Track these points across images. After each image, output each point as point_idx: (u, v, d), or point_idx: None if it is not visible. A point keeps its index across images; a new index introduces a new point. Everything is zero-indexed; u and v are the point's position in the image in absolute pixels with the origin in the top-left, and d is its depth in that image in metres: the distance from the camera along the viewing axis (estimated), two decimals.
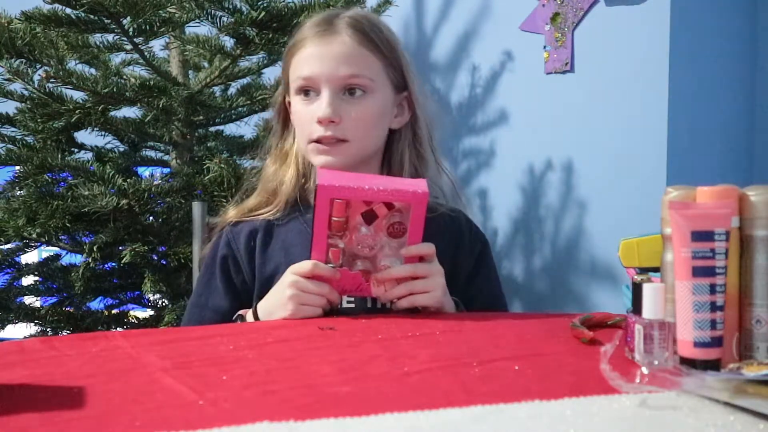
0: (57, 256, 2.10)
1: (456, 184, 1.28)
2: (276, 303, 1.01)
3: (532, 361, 0.75)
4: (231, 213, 1.20)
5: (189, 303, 1.19)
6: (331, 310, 1.00)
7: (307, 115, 1.12)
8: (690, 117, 1.87)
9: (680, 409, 0.59)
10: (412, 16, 2.34)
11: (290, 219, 1.17)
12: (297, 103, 1.15)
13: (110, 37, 1.83)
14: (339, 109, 1.11)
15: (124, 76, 2.00)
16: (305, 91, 1.13)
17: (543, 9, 2.00)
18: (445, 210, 1.19)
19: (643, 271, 0.90)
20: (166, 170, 2.03)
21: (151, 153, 2.15)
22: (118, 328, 2.01)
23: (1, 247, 2.00)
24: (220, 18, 1.77)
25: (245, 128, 2.08)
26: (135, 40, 1.78)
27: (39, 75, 1.73)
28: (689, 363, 0.69)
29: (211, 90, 1.99)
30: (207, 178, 1.76)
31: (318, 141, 1.12)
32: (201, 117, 1.93)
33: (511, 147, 2.12)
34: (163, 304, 1.96)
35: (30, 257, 2.17)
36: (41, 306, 2.01)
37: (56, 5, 1.69)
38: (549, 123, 2.01)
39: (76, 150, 2.00)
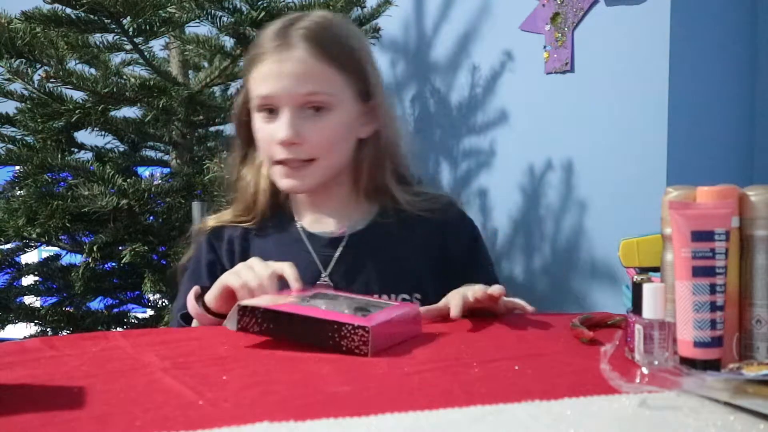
0: (57, 256, 2.10)
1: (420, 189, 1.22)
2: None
3: (532, 361, 0.75)
4: (210, 223, 1.18)
5: (174, 309, 1.17)
6: None
7: (268, 135, 1.09)
8: (690, 117, 1.87)
9: (680, 409, 0.59)
10: (412, 16, 2.34)
11: (266, 228, 1.16)
12: (258, 120, 1.11)
13: (110, 37, 1.83)
14: (301, 129, 1.07)
15: (124, 76, 2.00)
16: (267, 108, 1.09)
17: (543, 9, 2.00)
18: (430, 198, 1.17)
19: (643, 270, 0.90)
20: (166, 170, 2.03)
21: (151, 153, 2.15)
22: (118, 328, 2.01)
23: (1, 247, 2.00)
24: (220, 18, 1.76)
25: None
26: (135, 40, 1.78)
27: (39, 75, 1.73)
28: (689, 363, 0.69)
29: (211, 90, 1.99)
30: (207, 178, 1.76)
31: (281, 162, 1.09)
32: (201, 117, 1.93)
33: (511, 147, 2.12)
34: (163, 304, 1.96)
35: (30, 257, 2.17)
36: (41, 306, 2.01)
37: (56, 5, 1.69)
38: (549, 123, 2.01)
39: (76, 150, 2.00)
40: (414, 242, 1.13)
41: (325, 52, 1.08)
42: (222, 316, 0.97)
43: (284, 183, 1.11)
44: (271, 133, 1.08)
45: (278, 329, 0.84)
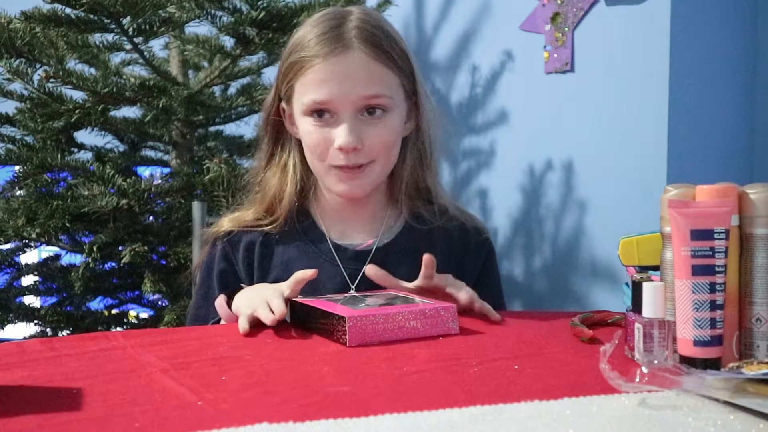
0: (57, 256, 2.10)
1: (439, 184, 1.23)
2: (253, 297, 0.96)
3: (531, 361, 0.75)
4: (226, 225, 1.15)
5: (189, 316, 1.16)
6: None
7: (323, 140, 1.05)
8: (690, 117, 1.87)
9: (680, 409, 0.59)
10: (412, 16, 2.34)
11: (289, 234, 1.13)
12: (306, 123, 1.07)
13: (110, 37, 1.83)
14: (360, 133, 1.04)
15: (124, 76, 2.00)
16: (318, 112, 1.05)
17: (543, 9, 2.00)
18: (453, 215, 1.17)
19: (643, 269, 0.90)
20: (166, 170, 2.03)
21: (151, 153, 2.15)
22: (118, 328, 2.01)
23: (1, 247, 1.99)
24: (220, 18, 1.76)
25: (245, 128, 2.08)
26: (135, 39, 1.78)
27: (39, 75, 1.73)
28: (689, 362, 0.69)
29: (211, 90, 1.99)
30: (207, 178, 1.75)
31: (337, 167, 1.06)
32: (201, 117, 1.93)
33: (511, 147, 2.12)
34: (163, 304, 1.96)
35: (30, 257, 2.17)
36: (41, 306, 2.01)
37: (56, 5, 1.69)
38: (549, 123, 2.01)
39: (76, 150, 2.00)
40: (436, 257, 1.12)
41: (382, 53, 1.05)
42: None
43: (340, 188, 1.08)
44: (327, 137, 1.05)
45: (308, 322, 0.91)
